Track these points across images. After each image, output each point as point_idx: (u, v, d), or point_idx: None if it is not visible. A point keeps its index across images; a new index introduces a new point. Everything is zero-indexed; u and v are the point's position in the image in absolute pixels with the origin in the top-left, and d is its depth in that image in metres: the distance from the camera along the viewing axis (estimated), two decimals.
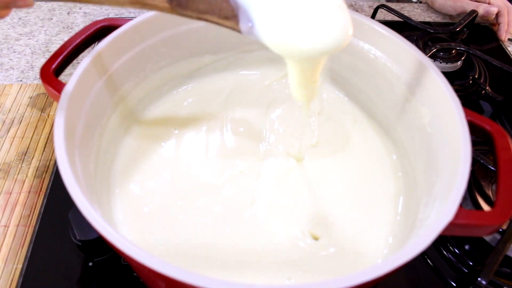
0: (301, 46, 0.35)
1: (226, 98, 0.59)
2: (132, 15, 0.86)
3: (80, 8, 0.86)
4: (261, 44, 0.52)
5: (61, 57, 0.45)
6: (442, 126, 0.43)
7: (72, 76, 0.42)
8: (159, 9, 0.37)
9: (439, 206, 0.37)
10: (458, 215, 0.33)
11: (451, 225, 0.33)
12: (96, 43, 0.48)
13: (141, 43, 0.51)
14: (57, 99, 0.40)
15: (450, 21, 0.90)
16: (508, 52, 0.83)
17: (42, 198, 0.55)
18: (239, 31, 0.37)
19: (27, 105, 0.67)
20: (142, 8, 0.37)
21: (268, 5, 0.35)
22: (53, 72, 0.43)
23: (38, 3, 0.78)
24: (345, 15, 0.35)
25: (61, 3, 0.88)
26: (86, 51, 0.47)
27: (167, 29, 0.52)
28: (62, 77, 0.44)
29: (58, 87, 0.41)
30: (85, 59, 0.44)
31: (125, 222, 0.46)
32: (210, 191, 0.49)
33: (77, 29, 0.82)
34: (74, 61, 0.47)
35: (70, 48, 0.46)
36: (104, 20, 0.49)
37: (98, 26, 0.48)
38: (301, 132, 0.53)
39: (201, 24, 0.54)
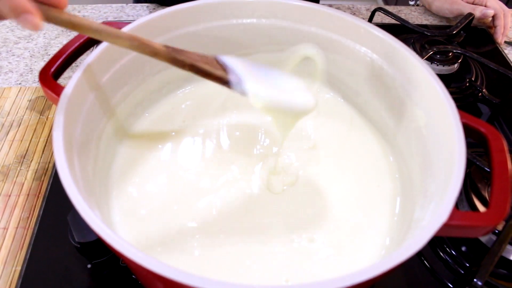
0: (278, 109, 0.43)
1: (223, 101, 0.59)
2: (130, 18, 0.86)
3: (79, 12, 0.87)
4: (262, 48, 0.59)
5: (60, 60, 0.45)
6: (437, 129, 0.44)
7: (72, 78, 0.42)
8: (156, 50, 0.40)
9: (434, 207, 0.38)
10: (452, 216, 0.34)
11: (446, 226, 0.33)
12: (95, 46, 0.48)
13: None
14: (56, 102, 0.41)
15: (447, 24, 0.91)
16: (504, 55, 0.84)
17: (41, 200, 0.55)
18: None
19: (26, 108, 0.67)
20: (141, 52, 0.40)
21: (255, 77, 0.43)
22: (52, 75, 0.44)
23: None
24: (308, 94, 0.45)
25: None
26: (85, 54, 0.48)
27: (165, 32, 0.53)
28: (61, 80, 0.44)
29: (57, 90, 0.41)
30: (87, 59, 0.45)
31: (123, 224, 0.46)
32: (206, 195, 0.49)
33: (76, 32, 0.83)
34: (73, 64, 0.47)
35: (69, 51, 0.46)
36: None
37: None
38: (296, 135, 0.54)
39: (199, 27, 0.55)
